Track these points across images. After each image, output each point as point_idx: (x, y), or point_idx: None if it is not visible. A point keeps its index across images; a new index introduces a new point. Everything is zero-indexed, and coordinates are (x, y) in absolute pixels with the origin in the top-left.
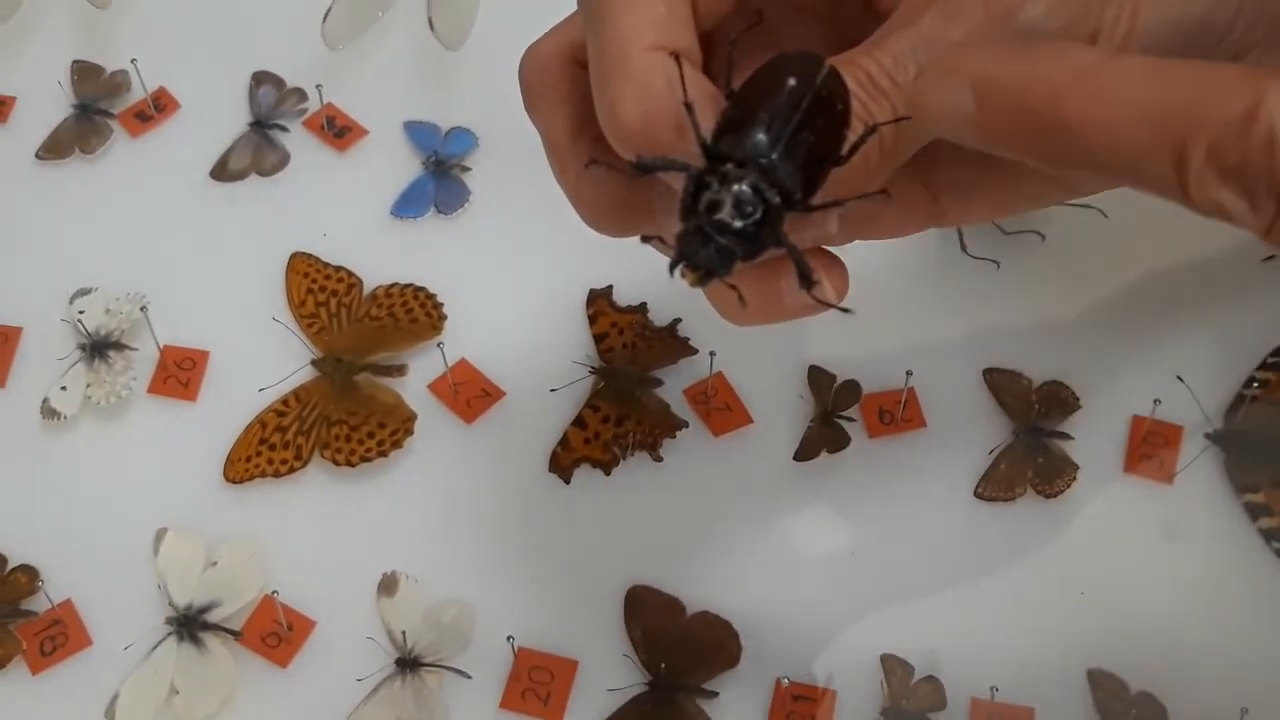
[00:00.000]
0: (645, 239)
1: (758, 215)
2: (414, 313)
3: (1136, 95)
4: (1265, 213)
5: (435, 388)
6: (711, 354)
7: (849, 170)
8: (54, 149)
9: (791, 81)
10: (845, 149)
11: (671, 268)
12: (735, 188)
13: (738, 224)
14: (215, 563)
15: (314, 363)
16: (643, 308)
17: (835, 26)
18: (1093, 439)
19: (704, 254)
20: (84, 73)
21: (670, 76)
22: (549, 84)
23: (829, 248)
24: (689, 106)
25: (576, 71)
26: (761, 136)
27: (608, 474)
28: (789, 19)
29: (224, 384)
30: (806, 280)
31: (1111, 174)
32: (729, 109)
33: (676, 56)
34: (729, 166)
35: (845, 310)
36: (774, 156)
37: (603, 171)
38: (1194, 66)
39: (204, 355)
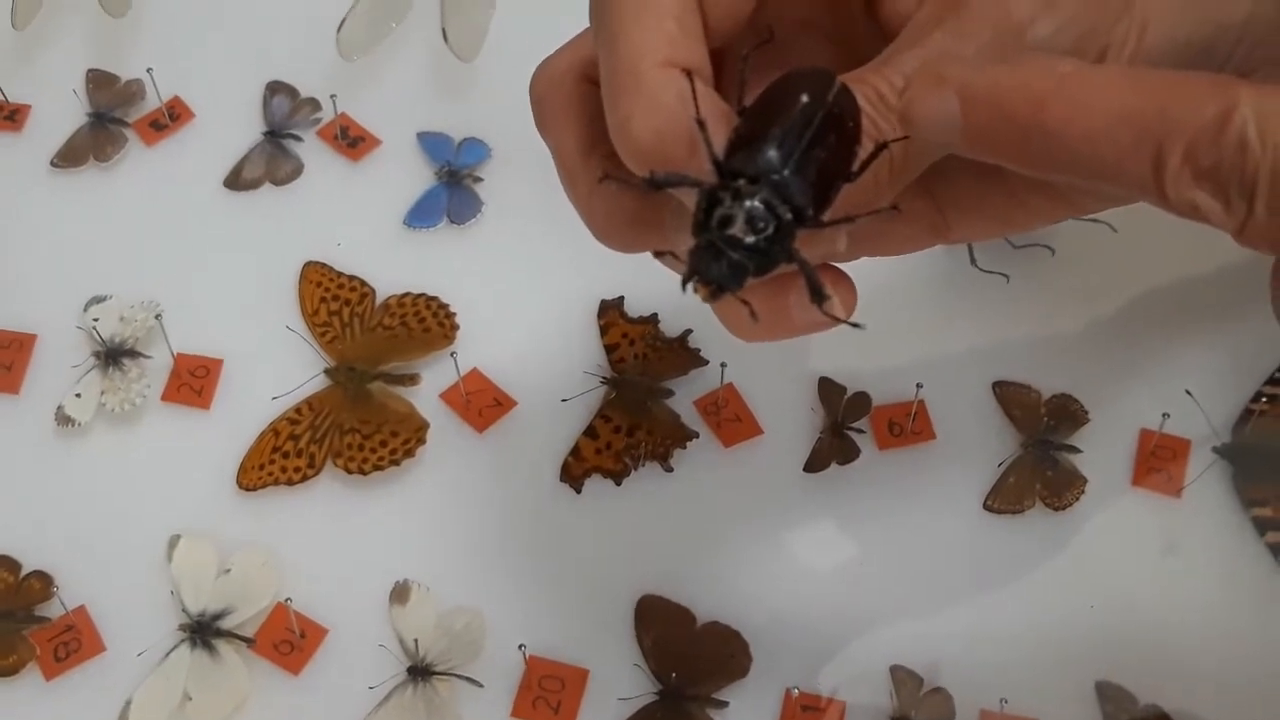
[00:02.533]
0: (658, 254)
1: (770, 231)
2: (426, 322)
3: (1115, 101)
4: (1238, 213)
5: (447, 397)
6: (723, 365)
7: (859, 187)
8: (69, 157)
9: (804, 98)
10: (856, 166)
11: (684, 283)
12: (748, 203)
13: (750, 239)
14: (228, 570)
15: (327, 371)
16: (654, 319)
17: (843, 45)
18: (1101, 452)
19: (716, 269)
20: (99, 81)
21: (682, 93)
22: (560, 101)
23: (836, 264)
24: (701, 123)
25: (588, 88)
26: (774, 152)
27: (619, 484)
28: (797, 37)
29: (237, 392)
30: (818, 295)
31: (1092, 176)
32: (741, 125)
33: (689, 73)
34: (741, 182)
35: (855, 325)
36: (786, 172)
37: (614, 188)
38: (1171, 74)
39: (217, 363)
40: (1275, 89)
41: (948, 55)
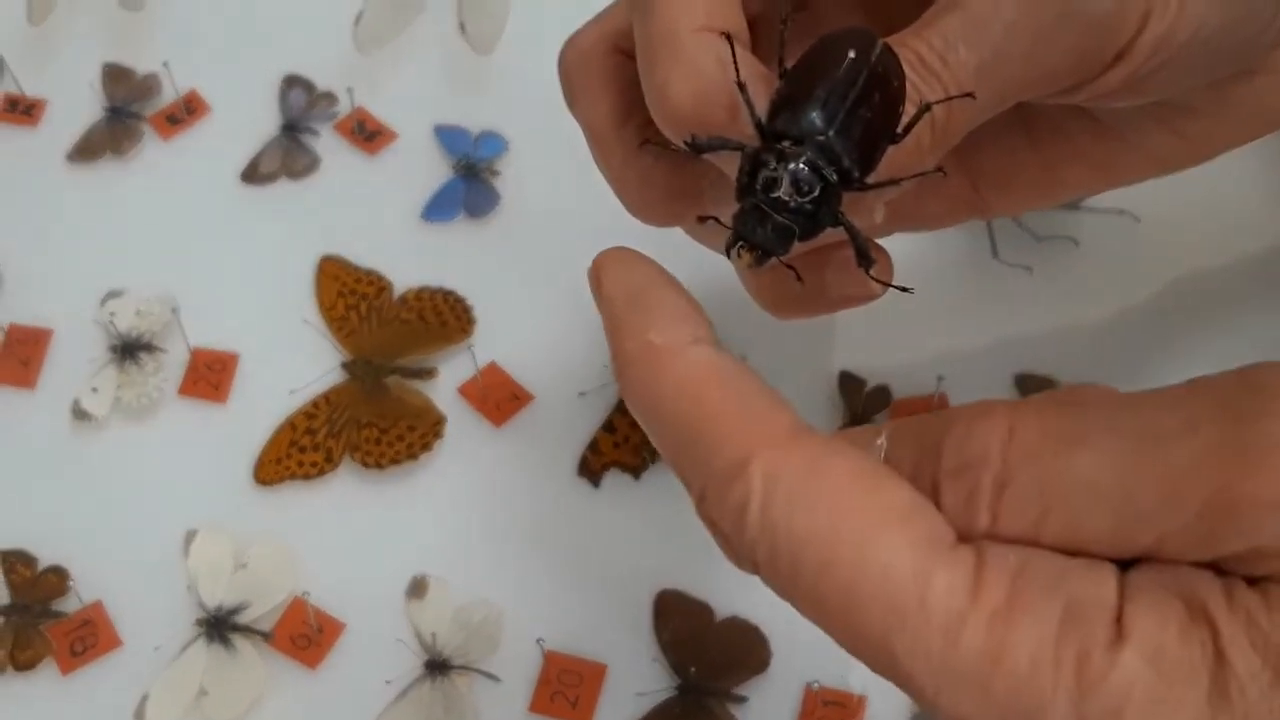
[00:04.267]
0: (702, 219)
1: (816, 193)
2: (444, 316)
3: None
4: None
5: (465, 391)
6: (743, 358)
7: (902, 151)
8: (85, 151)
9: (848, 58)
10: (900, 127)
11: (729, 248)
12: (792, 165)
13: (795, 202)
14: (245, 564)
15: (344, 365)
16: None
17: (878, 11)
18: None
19: (762, 233)
20: (115, 75)
21: (722, 56)
22: (591, 73)
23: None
24: (742, 85)
25: (619, 59)
26: (818, 113)
27: (637, 478)
28: (832, 4)
29: (254, 386)
30: (866, 260)
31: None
32: (783, 87)
33: (728, 36)
34: (786, 144)
35: (903, 289)
36: (831, 133)
37: (649, 159)
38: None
39: (234, 357)
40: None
41: (988, 17)
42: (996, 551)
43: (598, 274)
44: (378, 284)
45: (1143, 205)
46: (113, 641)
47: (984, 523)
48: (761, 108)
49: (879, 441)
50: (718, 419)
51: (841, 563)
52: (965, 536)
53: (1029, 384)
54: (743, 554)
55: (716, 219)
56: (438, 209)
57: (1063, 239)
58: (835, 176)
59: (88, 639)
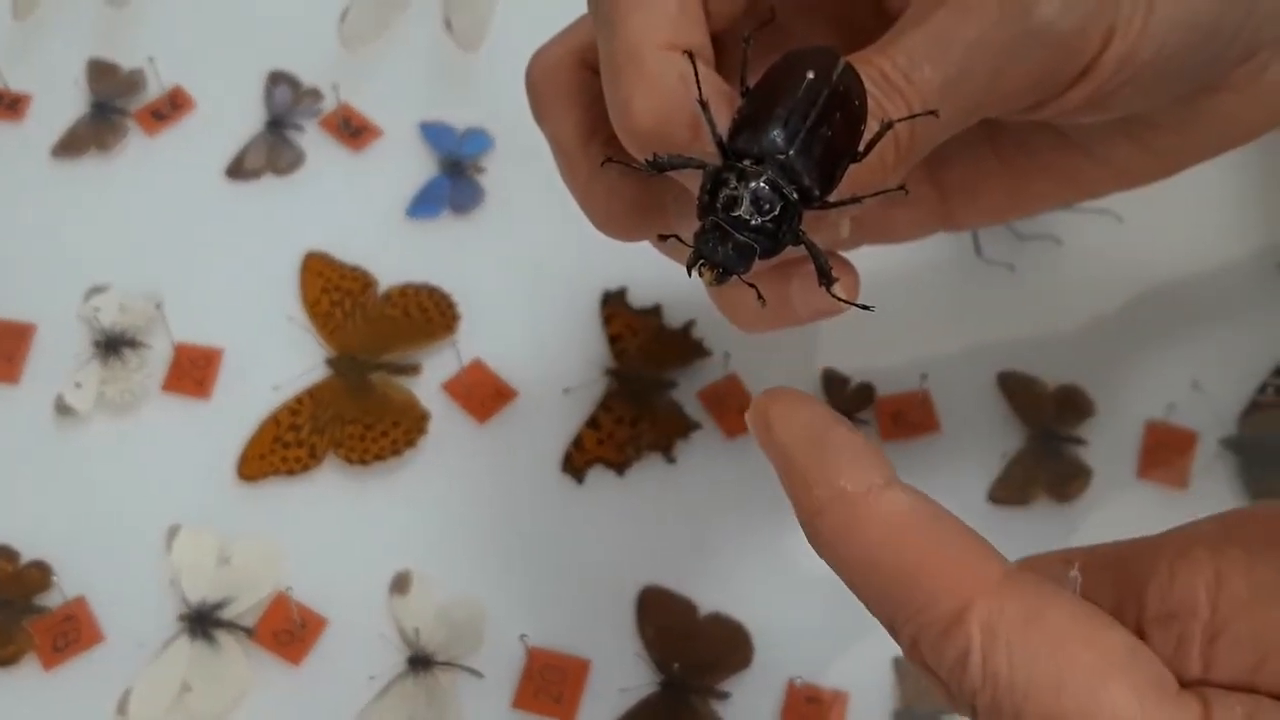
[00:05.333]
0: (662, 239)
1: (776, 211)
2: (428, 312)
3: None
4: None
5: (449, 387)
6: (726, 356)
7: (865, 168)
8: (70, 146)
9: (808, 77)
10: (862, 145)
11: (690, 266)
12: (753, 184)
13: (756, 220)
14: (228, 560)
15: (328, 362)
16: (657, 310)
17: (845, 27)
18: (1107, 444)
19: (723, 251)
20: (100, 71)
21: (684, 74)
22: (557, 88)
23: (839, 252)
24: (704, 104)
25: (585, 75)
26: (779, 132)
27: (621, 475)
28: (798, 19)
29: (238, 382)
30: (826, 278)
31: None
32: (744, 106)
33: (690, 54)
34: (746, 163)
35: (865, 308)
36: (792, 152)
37: (615, 174)
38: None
39: (218, 353)
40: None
41: (952, 35)
42: (1222, 701)
43: (764, 417)
44: (362, 280)
45: (1125, 205)
46: (95, 637)
47: (1196, 670)
48: (724, 126)
49: (1072, 574)
50: (927, 567)
51: (1068, 715)
52: (1179, 682)
53: (1011, 382)
54: (962, 701)
55: (678, 237)
56: (423, 205)
57: (1046, 238)
58: (796, 195)
59: (70, 634)
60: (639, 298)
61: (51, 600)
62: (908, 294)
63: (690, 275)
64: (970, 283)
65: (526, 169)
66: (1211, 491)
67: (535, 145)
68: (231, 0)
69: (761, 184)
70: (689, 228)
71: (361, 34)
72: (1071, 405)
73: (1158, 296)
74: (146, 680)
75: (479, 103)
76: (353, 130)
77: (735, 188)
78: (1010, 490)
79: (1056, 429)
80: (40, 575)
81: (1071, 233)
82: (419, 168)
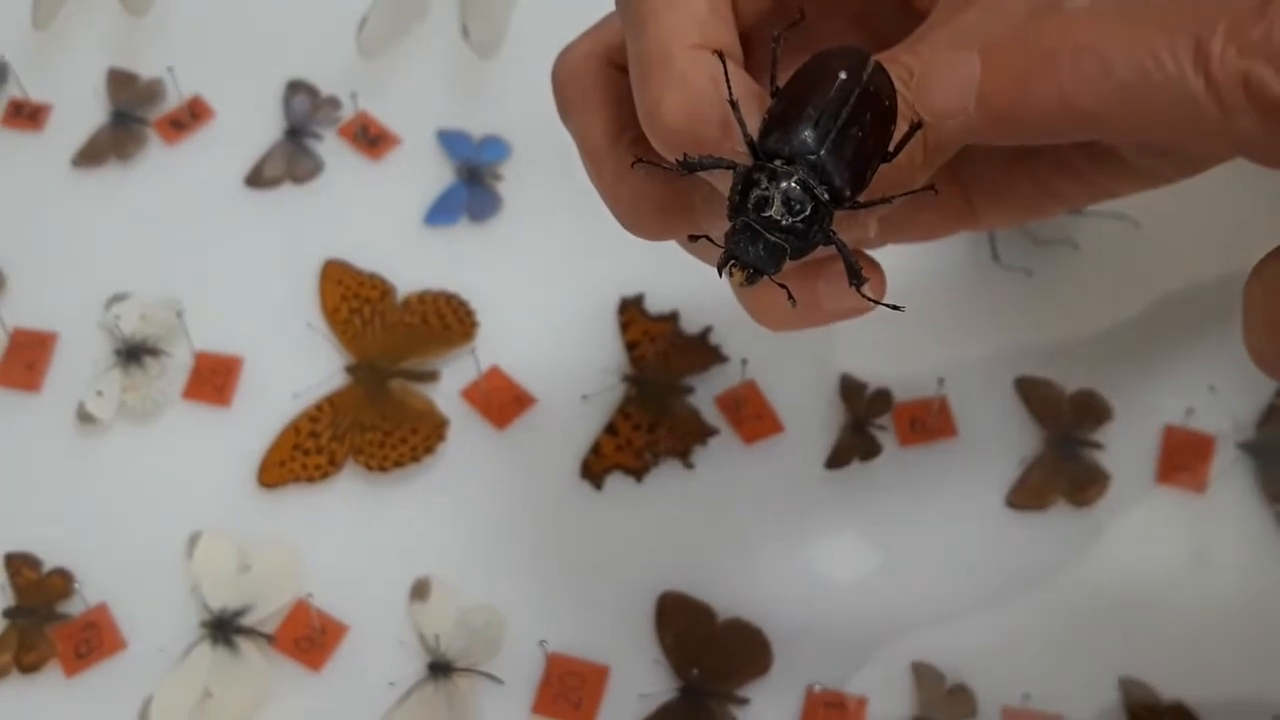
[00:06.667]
0: (692, 239)
1: (807, 212)
2: (446, 319)
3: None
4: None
5: (467, 394)
6: (743, 362)
7: (894, 168)
8: (90, 156)
9: (839, 77)
10: (892, 145)
11: (720, 267)
12: (784, 184)
13: (787, 221)
14: (249, 567)
15: (347, 369)
16: (674, 316)
17: (871, 27)
18: (1125, 448)
19: (754, 252)
20: (120, 80)
21: (714, 74)
22: (584, 87)
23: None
24: (735, 103)
25: (612, 74)
26: (810, 132)
27: (639, 481)
28: (825, 19)
29: (258, 390)
30: (856, 278)
31: (1123, 102)
32: (775, 106)
33: (720, 54)
34: (777, 163)
35: (894, 307)
36: (823, 153)
37: (642, 173)
38: None
39: (238, 361)
40: None
41: (982, 32)
42: None
43: None
44: (381, 288)
45: (1143, 210)
46: (117, 644)
47: None
48: (754, 126)
49: None
50: None
51: None
52: None
53: (1029, 387)
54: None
55: (709, 238)
56: (440, 213)
57: (1063, 243)
58: (827, 195)
59: (92, 641)
60: (656, 304)
61: (73, 608)
62: (925, 299)
63: (720, 276)
64: (987, 288)
65: (544, 176)
66: (1230, 495)
67: (552, 153)
68: (250, 10)
69: (793, 184)
70: (717, 227)
71: (379, 43)
72: (1089, 410)
73: (1175, 301)
74: (168, 687)
75: (496, 110)
76: (371, 138)
77: (766, 188)
78: (1028, 495)
79: (1074, 434)
80: (62, 583)
81: (1088, 237)
82: (437, 175)
